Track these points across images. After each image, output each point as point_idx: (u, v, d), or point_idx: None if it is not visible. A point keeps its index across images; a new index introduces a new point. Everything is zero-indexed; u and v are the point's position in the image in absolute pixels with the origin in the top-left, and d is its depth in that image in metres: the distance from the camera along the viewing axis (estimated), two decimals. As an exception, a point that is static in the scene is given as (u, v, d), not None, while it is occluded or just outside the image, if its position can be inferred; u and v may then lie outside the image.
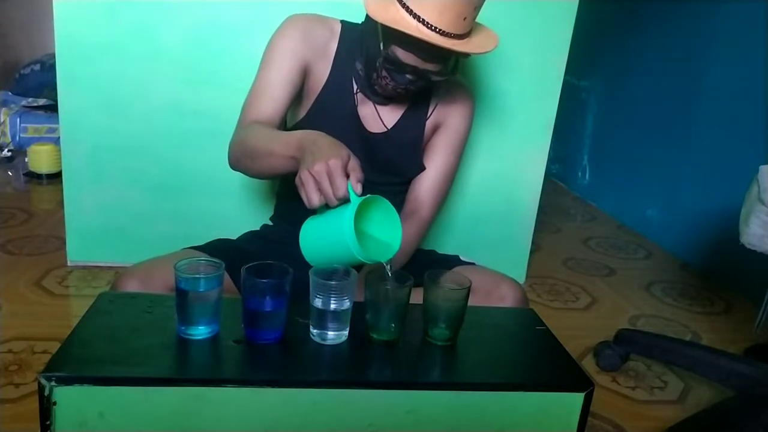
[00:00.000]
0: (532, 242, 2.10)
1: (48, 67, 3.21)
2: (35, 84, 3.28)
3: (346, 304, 0.87)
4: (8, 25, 3.69)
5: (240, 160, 1.11)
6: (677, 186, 2.58)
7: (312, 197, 0.86)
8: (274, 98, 1.16)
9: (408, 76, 1.11)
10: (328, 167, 0.85)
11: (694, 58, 2.52)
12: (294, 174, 0.96)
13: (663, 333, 1.84)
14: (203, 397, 0.77)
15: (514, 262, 2.06)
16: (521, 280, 2.10)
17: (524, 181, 1.98)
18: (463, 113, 1.29)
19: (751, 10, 2.21)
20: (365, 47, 1.15)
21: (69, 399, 0.74)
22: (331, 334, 0.88)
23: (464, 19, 1.04)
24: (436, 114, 1.27)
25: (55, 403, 0.74)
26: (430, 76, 1.11)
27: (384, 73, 1.12)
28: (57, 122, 2.41)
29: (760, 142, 2.09)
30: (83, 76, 1.75)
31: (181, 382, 0.78)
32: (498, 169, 1.95)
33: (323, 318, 0.87)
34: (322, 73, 1.21)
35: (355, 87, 1.22)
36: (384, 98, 1.22)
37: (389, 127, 1.24)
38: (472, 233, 1.99)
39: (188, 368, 0.85)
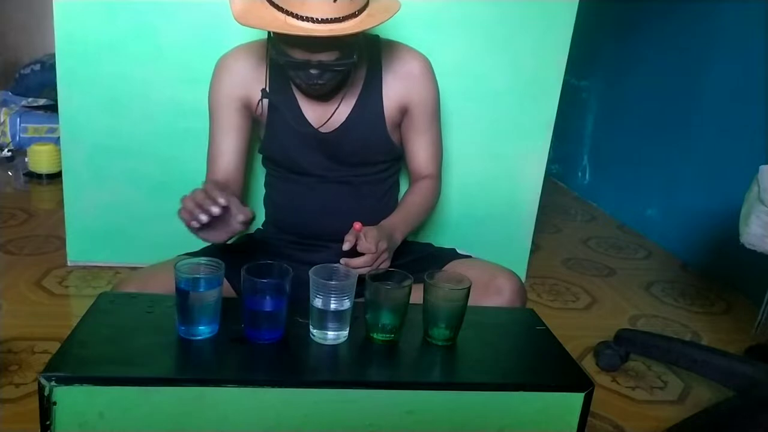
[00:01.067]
0: (532, 242, 2.10)
1: (48, 67, 3.20)
2: (35, 84, 3.27)
3: (346, 304, 0.87)
4: (8, 25, 3.68)
5: None
6: (677, 186, 2.58)
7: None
8: (224, 152, 1.25)
9: (311, 71, 1.09)
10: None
11: (694, 58, 2.52)
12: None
13: (663, 333, 1.83)
14: (203, 397, 0.77)
15: (514, 262, 2.05)
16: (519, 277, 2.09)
17: (524, 181, 1.98)
18: (422, 83, 1.27)
19: (751, 10, 2.21)
20: (271, 54, 1.14)
21: (69, 399, 0.74)
22: (331, 334, 0.88)
23: (334, 1, 1.00)
24: (393, 93, 1.25)
25: (55, 403, 0.74)
26: (330, 67, 1.08)
27: (292, 73, 1.12)
28: (57, 122, 2.40)
29: (760, 142, 2.09)
30: (83, 76, 1.75)
31: (181, 382, 0.78)
32: (498, 169, 1.95)
33: (323, 318, 0.87)
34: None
35: (297, 94, 1.22)
36: (318, 96, 1.20)
37: (345, 121, 1.23)
38: (472, 233, 1.99)
39: (188, 368, 0.85)
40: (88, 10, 1.70)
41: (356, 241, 1.06)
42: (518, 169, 1.96)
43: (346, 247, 1.06)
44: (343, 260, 1.04)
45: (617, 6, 3.05)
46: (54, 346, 0.96)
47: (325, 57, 1.07)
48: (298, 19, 1.00)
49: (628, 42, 2.97)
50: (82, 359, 0.79)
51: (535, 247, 2.34)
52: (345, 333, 0.89)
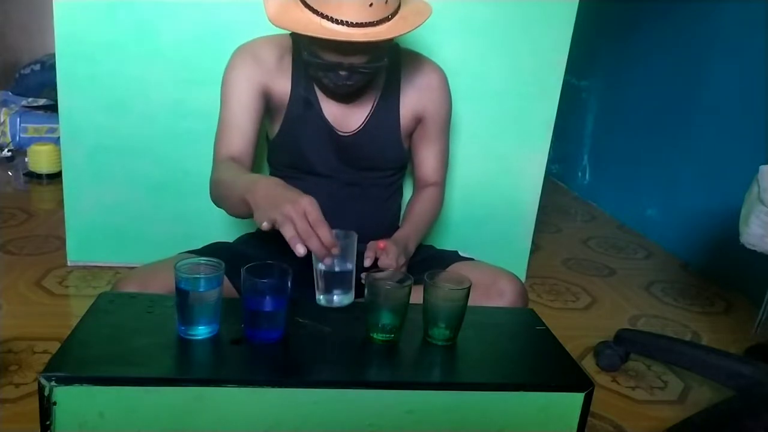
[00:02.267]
0: (532, 242, 2.10)
1: (48, 67, 3.21)
2: (35, 84, 3.27)
3: (349, 266, 0.88)
4: (8, 25, 3.69)
5: (218, 200, 1.15)
6: (677, 186, 2.58)
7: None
8: (241, 129, 1.20)
9: (341, 72, 1.09)
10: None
11: (694, 58, 2.52)
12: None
13: (663, 333, 1.84)
14: (203, 397, 0.77)
15: (514, 262, 2.06)
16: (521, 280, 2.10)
17: (524, 181, 1.98)
18: (439, 96, 1.29)
19: (751, 10, 2.21)
20: (302, 53, 1.14)
21: (69, 399, 0.74)
22: (336, 297, 0.88)
23: (370, 5, 1.01)
24: (410, 102, 1.27)
25: (55, 403, 0.74)
26: (360, 69, 1.09)
27: (321, 74, 1.12)
28: (57, 122, 2.40)
29: (760, 142, 2.09)
30: (83, 76, 1.75)
31: (181, 382, 0.78)
32: (498, 169, 1.95)
33: (329, 281, 0.88)
34: (284, 88, 1.22)
35: (317, 92, 1.23)
36: (344, 96, 1.21)
37: (362, 125, 1.24)
38: (472, 233, 1.99)
39: (188, 368, 0.85)
40: (88, 10, 1.70)
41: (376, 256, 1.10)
42: (518, 169, 1.96)
43: (367, 263, 1.08)
44: (363, 274, 1.06)
45: (617, 6, 3.05)
46: (54, 346, 0.96)
47: (356, 60, 1.07)
48: (333, 22, 1.01)
49: (628, 42, 2.97)
50: (82, 359, 0.79)
51: (535, 247, 2.34)
52: (350, 296, 0.89)
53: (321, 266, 0.88)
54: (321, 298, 0.90)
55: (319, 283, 0.90)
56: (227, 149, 1.20)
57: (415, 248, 1.23)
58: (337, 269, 0.88)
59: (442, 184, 1.38)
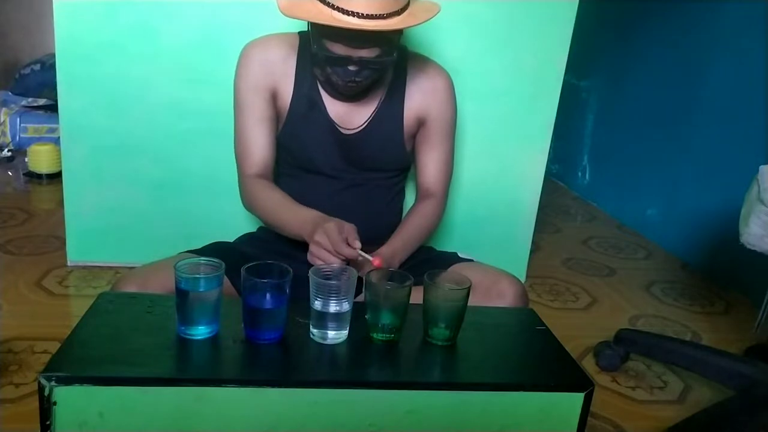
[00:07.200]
0: (532, 242, 2.10)
1: (48, 67, 3.20)
2: (35, 84, 3.27)
3: (345, 306, 0.87)
4: (8, 25, 3.68)
5: (256, 215, 1.26)
6: (677, 186, 2.58)
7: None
8: (259, 144, 1.25)
9: (350, 67, 1.11)
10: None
11: (695, 57, 2.52)
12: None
13: (663, 333, 1.83)
14: (203, 397, 0.77)
15: (514, 262, 2.06)
16: (521, 280, 2.10)
17: (524, 181, 1.98)
18: (443, 99, 1.30)
19: (751, 10, 2.21)
20: (311, 49, 1.16)
21: (69, 399, 0.74)
22: (331, 333, 0.88)
23: None
24: (414, 104, 1.27)
25: (55, 403, 0.74)
26: (370, 64, 1.11)
27: (329, 70, 1.13)
28: (57, 122, 2.40)
29: (760, 142, 2.09)
30: (83, 76, 1.75)
31: (181, 382, 0.78)
32: (498, 169, 1.95)
33: (323, 318, 0.87)
34: (287, 88, 1.24)
35: (321, 91, 1.23)
36: (349, 95, 1.21)
37: (365, 124, 1.25)
38: (472, 233, 1.99)
39: (188, 368, 0.85)
40: (88, 10, 1.70)
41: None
42: (518, 169, 1.96)
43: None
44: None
45: (617, 5, 3.05)
46: (54, 346, 0.96)
47: (366, 53, 1.09)
48: (343, 13, 1.03)
49: (628, 42, 2.97)
50: (82, 359, 0.79)
51: (535, 247, 2.34)
52: (345, 333, 0.89)
53: (317, 304, 0.87)
54: (314, 333, 0.89)
55: (314, 318, 0.87)
56: (251, 167, 1.25)
57: (399, 264, 1.21)
58: (332, 309, 0.87)
59: (442, 196, 1.35)
